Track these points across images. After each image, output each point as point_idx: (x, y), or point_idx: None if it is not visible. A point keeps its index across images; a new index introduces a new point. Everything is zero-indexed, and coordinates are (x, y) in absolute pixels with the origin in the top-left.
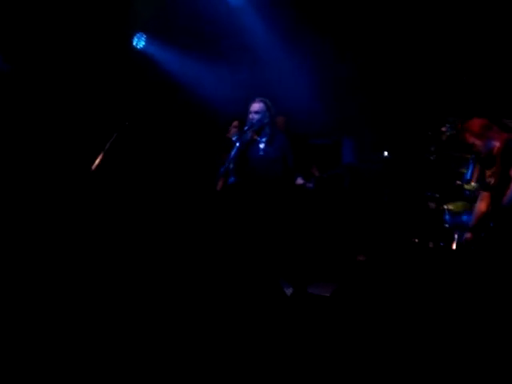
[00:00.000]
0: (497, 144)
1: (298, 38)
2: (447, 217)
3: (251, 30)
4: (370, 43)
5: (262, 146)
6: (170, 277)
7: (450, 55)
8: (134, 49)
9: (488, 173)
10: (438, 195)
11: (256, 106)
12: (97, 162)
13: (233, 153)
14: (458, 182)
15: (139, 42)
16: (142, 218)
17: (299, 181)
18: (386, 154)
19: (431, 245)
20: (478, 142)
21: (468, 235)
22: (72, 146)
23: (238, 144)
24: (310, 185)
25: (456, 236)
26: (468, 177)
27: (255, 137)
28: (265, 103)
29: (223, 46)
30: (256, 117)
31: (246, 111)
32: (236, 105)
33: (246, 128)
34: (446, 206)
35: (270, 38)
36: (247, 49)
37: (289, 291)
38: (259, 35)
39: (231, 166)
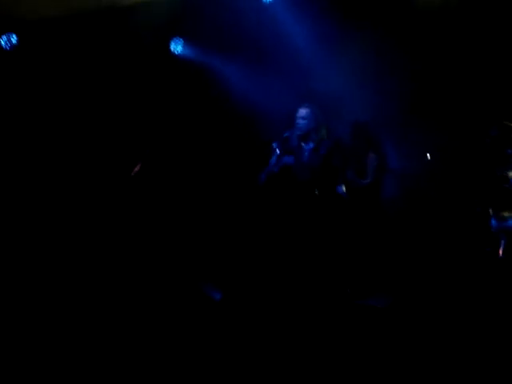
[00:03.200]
0: None
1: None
2: (493, 222)
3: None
4: None
5: (306, 153)
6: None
7: None
8: (172, 54)
9: None
10: (484, 199)
11: (302, 112)
12: (136, 168)
13: (273, 159)
14: (506, 186)
15: (177, 46)
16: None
17: (338, 189)
18: (428, 156)
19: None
20: None
21: None
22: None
23: (277, 150)
24: (344, 194)
25: (503, 241)
26: None
27: (301, 143)
28: (311, 109)
29: (267, 52)
30: (302, 122)
31: (293, 117)
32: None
33: (286, 134)
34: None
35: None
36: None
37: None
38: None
39: (274, 171)
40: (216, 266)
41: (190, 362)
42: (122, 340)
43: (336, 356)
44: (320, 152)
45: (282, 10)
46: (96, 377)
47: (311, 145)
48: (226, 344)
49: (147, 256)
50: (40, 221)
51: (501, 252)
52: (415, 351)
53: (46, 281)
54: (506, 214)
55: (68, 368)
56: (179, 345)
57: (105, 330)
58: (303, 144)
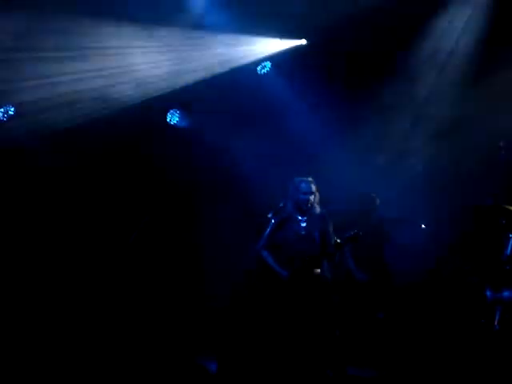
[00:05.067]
0: None
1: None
2: (488, 293)
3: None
4: None
5: (303, 224)
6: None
7: None
8: (169, 124)
9: None
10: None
11: (305, 187)
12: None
13: (268, 230)
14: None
15: (173, 117)
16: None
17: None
18: (423, 226)
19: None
20: None
21: None
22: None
23: (273, 221)
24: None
25: (497, 312)
26: (508, 253)
27: (297, 215)
28: (312, 184)
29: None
30: (305, 197)
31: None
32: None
33: (280, 204)
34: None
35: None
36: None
37: (330, 373)
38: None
39: (267, 242)
40: (211, 339)
41: None
42: None
43: None
44: (316, 224)
45: (277, 82)
46: None
47: (306, 217)
48: None
49: (143, 325)
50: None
51: (496, 323)
52: None
53: None
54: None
55: None
56: None
57: None
58: (299, 216)
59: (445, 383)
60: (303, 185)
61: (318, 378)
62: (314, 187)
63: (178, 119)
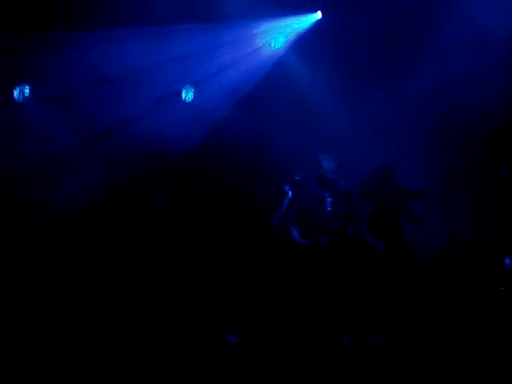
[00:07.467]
0: None
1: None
2: (508, 260)
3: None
4: None
5: (329, 200)
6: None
7: None
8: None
9: None
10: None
11: (330, 166)
12: None
13: (285, 204)
14: None
15: (188, 94)
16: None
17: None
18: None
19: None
20: None
21: None
22: None
23: (290, 193)
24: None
25: None
26: None
27: (321, 191)
28: (336, 162)
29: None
30: (334, 176)
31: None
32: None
33: (297, 177)
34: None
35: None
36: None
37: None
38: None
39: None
40: (232, 312)
41: None
42: None
43: None
44: (341, 199)
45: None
46: None
47: (331, 192)
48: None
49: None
50: None
51: None
52: None
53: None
54: None
55: None
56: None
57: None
58: (323, 192)
59: (463, 354)
60: (326, 163)
61: (335, 348)
62: (338, 166)
63: (192, 96)
